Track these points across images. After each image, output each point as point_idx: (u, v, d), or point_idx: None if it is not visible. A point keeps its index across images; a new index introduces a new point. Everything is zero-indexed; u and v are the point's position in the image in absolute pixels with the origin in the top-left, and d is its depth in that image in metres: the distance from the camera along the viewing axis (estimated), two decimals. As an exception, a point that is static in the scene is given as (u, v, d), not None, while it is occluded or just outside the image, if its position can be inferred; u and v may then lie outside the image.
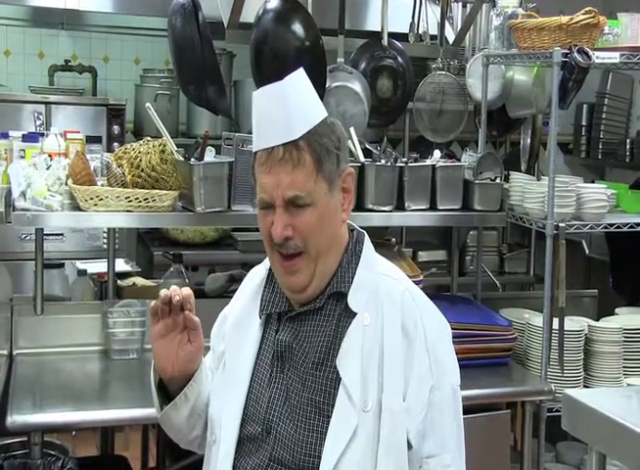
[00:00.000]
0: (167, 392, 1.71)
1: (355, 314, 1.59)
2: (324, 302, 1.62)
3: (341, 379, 1.55)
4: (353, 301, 1.60)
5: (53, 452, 2.56)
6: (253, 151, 1.61)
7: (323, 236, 1.59)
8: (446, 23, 3.35)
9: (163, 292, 1.62)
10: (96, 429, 3.21)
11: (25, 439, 2.37)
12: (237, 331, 1.70)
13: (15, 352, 2.79)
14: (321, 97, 1.66)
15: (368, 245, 1.69)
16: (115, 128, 4.49)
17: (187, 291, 1.63)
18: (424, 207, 2.92)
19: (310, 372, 1.59)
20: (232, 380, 1.66)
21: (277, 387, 1.62)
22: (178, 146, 2.75)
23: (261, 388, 1.63)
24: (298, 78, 1.60)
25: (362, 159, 2.86)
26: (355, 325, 1.58)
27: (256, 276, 1.75)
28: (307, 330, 1.62)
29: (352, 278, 1.62)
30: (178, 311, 1.62)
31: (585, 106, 5.13)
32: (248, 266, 3.87)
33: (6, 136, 2.95)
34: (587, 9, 2.75)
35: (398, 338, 1.58)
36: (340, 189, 1.61)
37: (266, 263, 1.71)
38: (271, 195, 1.56)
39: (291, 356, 1.61)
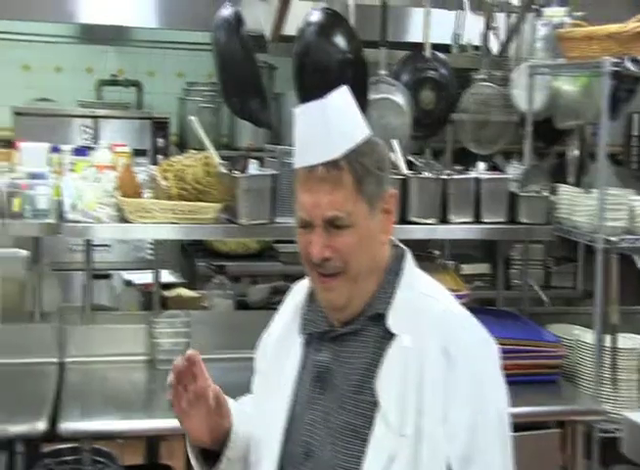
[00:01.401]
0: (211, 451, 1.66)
1: (395, 336, 1.55)
2: (364, 323, 1.58)
3: (378, 402, 1.52)
4: (392, 322, 1.56)
5: (102, 459, 2.60)
6: (295, 167, 1.59)
7: (363, 257, 1.56)
8: (490, 34, 3.34)
9: (169, 378, 1.58)
10: (142, 437, 3.25)
11: (75, 445, 2.41)
12: (278, 350, 1.68)
13: (65, 361, 2.85)
14: (363, 109, 1.65)
15: (409, 262, 1.65)
16: (160, 141, 4.56)
17: (190, 356, 1.57)
18: (468, 219, 2.90)
19: (349, 395, 1.55)
20: (274, 400, 1.63)
21: (317, 409, 1.59)
22: (221, 158, 2.79)
23: (302, 409, 1.61)
24: (341, 96, 1.58)
25: (405, 171, 2.87)
26: (395, 347, 1.54)
27: (298, 294, 1.73)
28: (347, 352, 1.59)
29: (392, 298, 1.59)
30: (191, 381, 1.58)
31: (636, 116, 5.00)
32: (289, 278, 3.94)
33: (57, 150, 3.01)
34: (638, 17, 2.70)
35: (439, 360, 1.53)
36: (381, 210, 1.58)
37: (309, 281, 1.68)
38: (310, 214, 1.54)
39: (330, 378, 1.58)
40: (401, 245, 1.68)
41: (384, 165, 1.60)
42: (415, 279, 1.64)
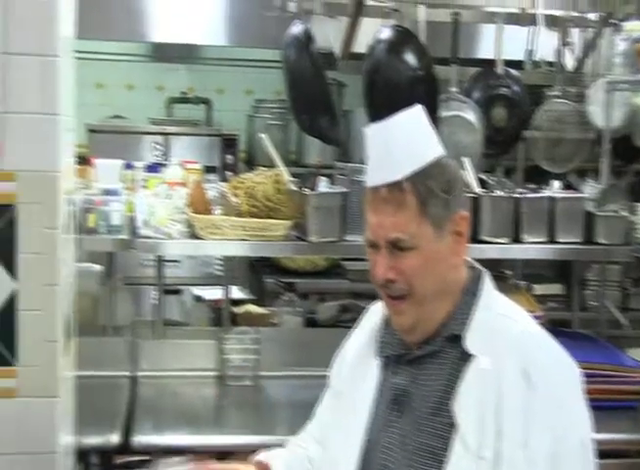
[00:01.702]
0: None
1: (473, 357, 1.54)
2: (441, 345, 1.58)
3: (456, 424, 1.50)
4: (470, 343, 1.55)
5: (172, 473, 2.62)
6: (365, 186, 1.60)
7: (429, 280, 1.55)
8: (564, 49, 3.29)
9: None
10: (211, 453, 3.26)
11: (147, 457, 2.44)
12: (355, 372, 1.68)
13: (137, 374, 2.89)
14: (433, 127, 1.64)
15: (487, 283, 1.63)
16: (229, 158, 4.60)
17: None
18: (542, 239, 2.85)
19: (427, 417, 1.55)
20: (350, 422, 1.63)
21: (394, 431, 1.58)
22: (290, 175, 2.79)
23: (379, 431, 1.60)
24: (412, 115, 1.57)
25: (477, 189, 2.84)
26: (472, 369, 1.53)
27: (374, 315, 1.73)
28: (425, 374, 1.58)
29: (470, 319, 1.57)
30: None
31: None
32: (357, 296, 3.93)
33: (130, 167, 3.06)
34: None
35: (518, 382, 1.50)
36: (451, 233, 1.56)
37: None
38: (375, 235, 1.55)
39: (408, 401, 1.58)
40: (478, 266, 1.66)
41: (452, 188, 1.57)
42: (493, 300, 1.62)
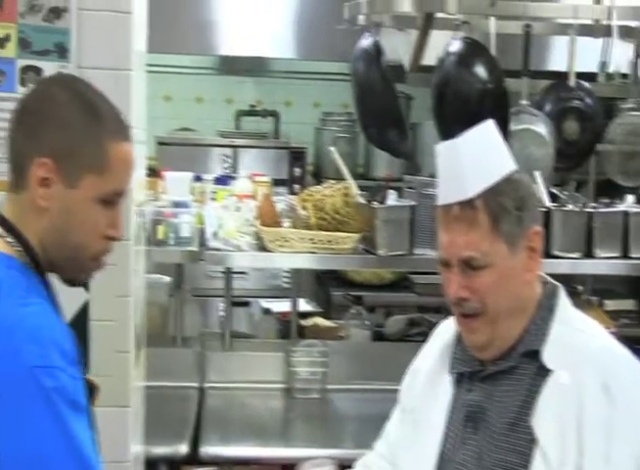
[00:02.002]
0: None
1: (551, 372, 1.52)
2: (517, 360, 1.56)
3: (536, 439, 1.49)
4: (548, 358, 1.53)
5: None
6: (436, 204, 1.59)
7: (503, 298, 1.54)
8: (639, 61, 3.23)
9: None
10: (278, 465, 3.27)
11: (214, 468, 2.45)
12: (428, 388, 1.67)
13: (205, 386, 2.91)
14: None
15: (563, 299, 1.61)
16: (296, 171, 4.61)
17: None
18: (615, 254, 2.79)
19: (504, 433, 1.53)
20: (423, 439, 1.62)
21: (469, 448, 1.57)
22: (357, 188, 2.79)
23: (454, 448, 1.59)
24: (482, 131, 1.56)
25: (548, 204, 2.80)
26: (551, 383, 1.51)
27: (446, 332, 1.71)
28: (500, 390, 1.56)
29: (547, 334, 1.55)
30: None
31: None
32: (424, 309, 3.89)
33: (200, 179, 3.09)
34: None
35: (598, 397, 1.48)
36: (524, 249, 1.54)
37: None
38: (447, 253, 1.54)
39: (483, 417, 1.57)
40: (552, 281, 1.64)
41: (525, 204, 1.55)
42: (569, 315, 1.60)
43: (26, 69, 2.00)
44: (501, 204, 1.51)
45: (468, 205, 1.51)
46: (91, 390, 1.43)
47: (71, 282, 1.50)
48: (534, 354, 1.55)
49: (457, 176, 1.52)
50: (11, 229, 1.42)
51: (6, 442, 1.29)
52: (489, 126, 1.58)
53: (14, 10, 1.97)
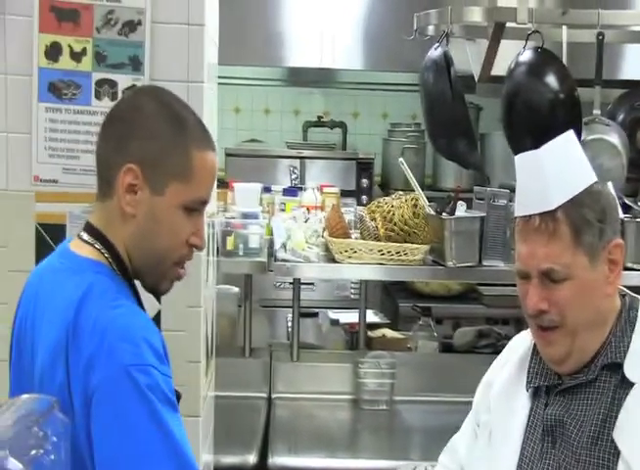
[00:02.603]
0: None
1: (633, 385, 1.51)
2: (597, 373, 1.54)
3: (619, 453, 1.47)
4: (631, 370, 1.52)
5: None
6: (514, 216, 1.59)
7: (582, 311, 1.52)
8: None
9: None
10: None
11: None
12: (503, 402, 1.65)
13: (273, 396, 2.93)
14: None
15: None
16: (364, 181, 4.61)
17: None
18: (690, 264, 2.74)
19: (585, 447, 1.51)
20: (499, 453, 1.60)
21: (548, 463, 1.55)
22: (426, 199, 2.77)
23: (532, 463, 1.57)
24: (563, 143, 1.55)
25: (621, 215, 2.74)
26: (634, 396, 1.50)
27: (521, 345, 1.70)
28: (580, 403, 1.55)
29: (628, 347, 1.54)
30: None
31: None
32: (493, 321, 3.84)
33: (269, 190, 3.12)
34: None
35: None
36: (605, 261, 1.53)
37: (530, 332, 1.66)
38: (526, 265, 1.53)
39: (563, 431, 1.55)
40: (630, 293, 1.63)
41: (606, 216, 1.54)
42: None
43: (101, 82, 2.04)
44: (583, 215, 1.51)
45: (549, 216, 1.50)
46: (177, 396, 1.45)
47: (154, 290, 1.54)
48: (615, 367, 1.54)
49: (539, 187, 1.51)
50: (99, 236, 1.48)
51: (104, 440, 1.32)
52: (570, 137, 1.58)
53: (90, 24, 2.02)
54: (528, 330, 1.67)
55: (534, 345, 1.64)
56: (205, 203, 1.50)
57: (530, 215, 1.52)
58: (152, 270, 1.49)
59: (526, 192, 1.54)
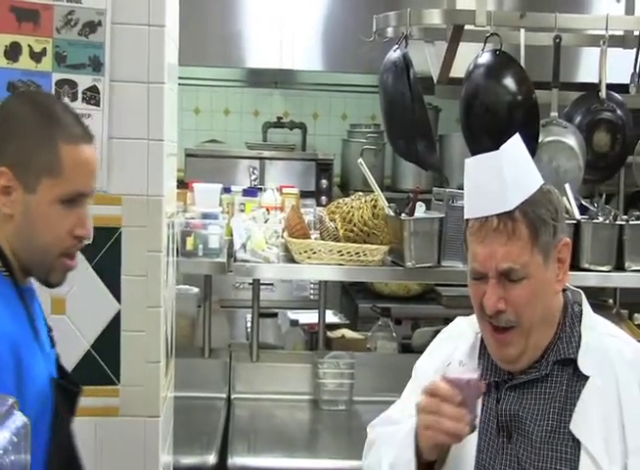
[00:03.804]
0: None
1: (586, 378, 1.54)
2: (550, 368, 1.57)
3: (579, 444, 1.50)
4: (584, 364, 1.56)
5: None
6: (465, 217, 1.60)
7: (536, 309, 1.55)
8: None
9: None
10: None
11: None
12: None
13: (232, 396, 2.92)
14: (533, 152, 1.64)
15: (586, 304, 1.64)
16: (323, 182, 4.62)
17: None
18: (646, 267, 2.78)
19: (545, 440, 1.54)
20: (458, 452, 1.59)
21: (507, 458, 1.57)
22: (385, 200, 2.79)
23: (490, 459, 1.59)
24: (515, 146, 1.58)
25: (578, 216, 2.78)
26: (589, 388, 1.53)
27: (464, 338, 1.70)
28: (534, 398, 1.57)
29: (579, 341, 1.58)
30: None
31: None
32: (451, 321, 3.87)
33: (228, 191, 3.11)
34: None
35: (638, 397, 1.52)
36: (555, 260, 1.57)
37: (473, 326, 1.67)
38: (484, 265, 1.53)
39: (518, 425, 1.57)
40: (571, 287, 1.67)
41: (559, 214, 1.58)
42: (595, 320, 1.63)
43: (61, 82, 2.03)
44: (539, 215, 1.53)
45: (507, 216, 1.52)
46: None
47: (48, 283, 1.59)
48: (567, 362, 1.57)
49: (496, 189, 1.53)
50: None
51: None
52: (519, 140, 1.60)
53: (50, 25, 2.00)
54: (469, 323, 1.68)
55: (481, 341, 1.65)
56: (83, 195, 1.54)
57: (487, 217, 1.53)
58: (38, 265, 1.54)
59: (482, 193, 1.55)
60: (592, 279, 2.74)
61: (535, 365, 1.58)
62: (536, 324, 1.56)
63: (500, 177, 1.52)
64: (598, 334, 1.59)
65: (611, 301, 3.18)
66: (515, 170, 1.54)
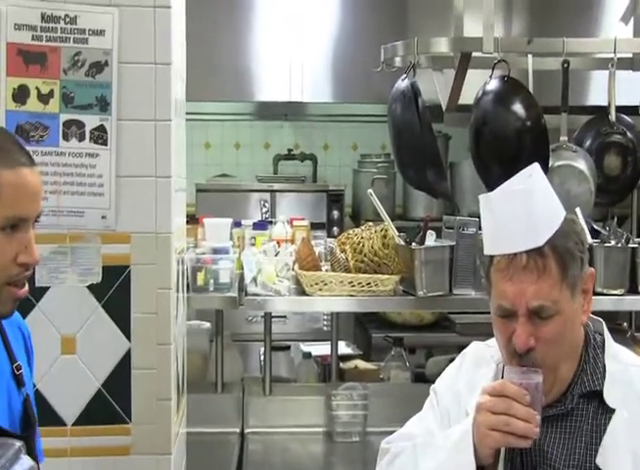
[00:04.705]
0: None
1: (612, 410, 1.51)
2: (575, 401, 1.54)
3: None
4: (610, 397, 1.52)
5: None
6: (486, 253, 1.55)
7: (565, 344, 1.52)
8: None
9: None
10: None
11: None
12: None
13: (246, 431, 2.90)
14: (544, 177, 1.59)
15: (607, 333, 1.61)
16: (335, 213, 4.62)
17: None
18: (660, 289, 2.75)
19: None
20: None
21: None
22: (396, 230, 2.78)
23: None
24: (538, 176, 1.53)
25: (590, 240, 2.75)
26: (616, 422, 1.50)
27: (484, 366, 1.67)
28: (560, 432, 1.54)
29: (604, 373, 1.54)
30: None
31: None
32: (466, 349, 3.82)
33: (239, 225, 3.11)
34: None
35: None
36: (580, 291, 1.54)
37: (493, 354, 1.64)
38: (513, 303, 1.49)
39: (544, 461, 1.53)
40: (594, 316, 1.64)
41: (584, 245, 1.54)
42: (617, 350, 1.60)
43: (69, 123, 2.04)
44: (568, 248, 1.49)
45: (536, 252, 1.47)
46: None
47: None
48: (592, 394, 1.54)
49: (525, 224, 1.47)
50: None
51: None
52: (539, 169, 1.55)
53: (57, 66, 2.02)
54: (491, 353, 1.63)
55: (502, 375, 1.61)
56: (24, 220, 1.48)
57: (515, 253, 1.49)
58: None
59: (509, 228, 1.49)
60: (606, 303, 2.70)
61: (560, 399, 1.55)
62: (563, 359, 1.53)
63: (528, 211, 1.48)
64: (623, 364, 1.57)
65: (625, 324, 3.14)
66: (542, 203, 1.50)
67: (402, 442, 1.70)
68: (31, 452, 1.52)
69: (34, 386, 1.74)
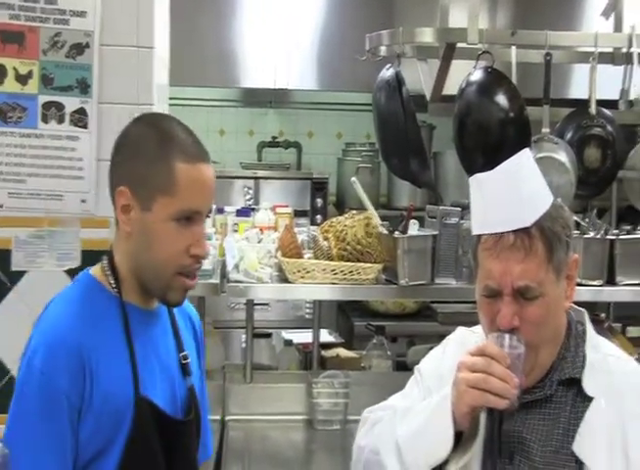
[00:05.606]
0: None
1: (590, 398, 1.52)
2: (554, 388, 1.55)
3: (583, 465, 1.48)
4: (588, 385, 1.53)
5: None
6: (474, 232, 1.57)
7: (548, 327, 1.53)
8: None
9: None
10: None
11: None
12: None
13: (226, 418, 2.90)
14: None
15: (589, 324, 1.62)
16: (318, 201, 4.62)
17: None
18: (637, 281, 2.76)
19: (549, 462, 1.52)
20: None
21: None
22: (380, 218, 2.78)
23: None
24: (528, 161, 1.55)
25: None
26: (593, 410, 1.51)
27: (469, 348, 1.65)
28: (538, 418, 1.55)
29: (583, 362, 1.55)
30: None
31: None
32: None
33: (221, 211, 3.10)
34: None
35: None
36: (565, 277, 1.55)
37: (479, 342, 1.61)
38: (499, 282, 1.50)
39: (521, 447, 1.54)
40: (577, 307, 1.65)
41: (571, 230, 1.56)
42: (598, 340, 1.61)
43: (48, 104, 2.03)
44: (555, 231, 1.51)
45: (524, 232, 1.49)
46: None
47: (167, 302, 1.59)
48: (571, 382, 1.55)
49: (514, 204, 1.49)
50: (109, 255, 1.59)
51: None
52: (529, 154, 1.57)
53: (36, 47, 2.01)
54: (476, 340, 1.64)
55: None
56: (198, 213, 1.55)
57: (503, 232, 1.50)
58: (154, 283, 1.55)
59: (496, 208, 1.51)
60: (584, 294, 2.72)
61: (539, 385, 1.57)
62: (545, 342, 1.54)
63: (517, 192, 1.49)
64: (602, 354, 1.58)
65: (603, 315, 3.17)
66: (531, 185, 1.51)
67: (384, 411, 1.74)
68: (191, 440, 1.62)
69: (201, 377, 1.79)
